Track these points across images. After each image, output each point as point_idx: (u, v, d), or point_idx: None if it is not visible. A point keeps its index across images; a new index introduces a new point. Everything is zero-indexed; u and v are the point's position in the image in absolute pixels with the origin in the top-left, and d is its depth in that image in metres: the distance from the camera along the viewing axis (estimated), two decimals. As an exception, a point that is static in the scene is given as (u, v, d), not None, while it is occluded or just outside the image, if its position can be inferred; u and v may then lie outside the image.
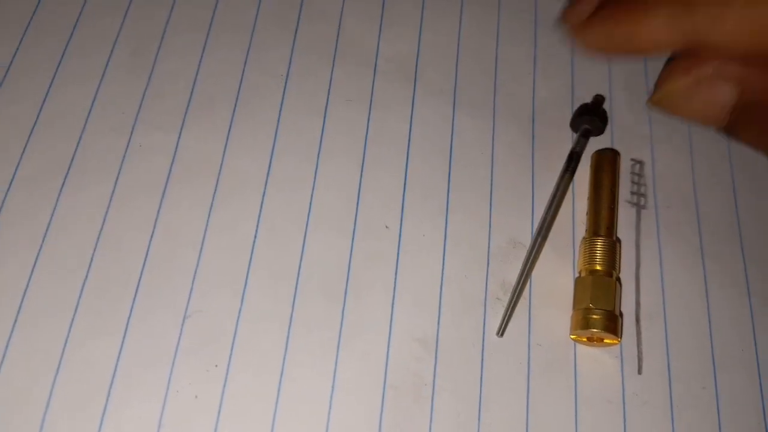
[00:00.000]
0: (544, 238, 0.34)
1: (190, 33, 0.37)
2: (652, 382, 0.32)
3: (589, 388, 0.32)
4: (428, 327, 0.32)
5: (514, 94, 0.38)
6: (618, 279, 0.33)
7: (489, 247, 0.34)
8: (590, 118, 0.36)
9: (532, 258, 0.33)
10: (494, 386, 0.31)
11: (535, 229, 0.34)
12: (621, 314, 0.33)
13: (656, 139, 0.38)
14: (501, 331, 0.32)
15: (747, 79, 0.27)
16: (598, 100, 0.37)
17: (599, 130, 0.36)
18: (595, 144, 0.37)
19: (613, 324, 0.31)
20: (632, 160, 0.37)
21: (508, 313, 0.32)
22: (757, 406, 0.32)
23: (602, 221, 0.34)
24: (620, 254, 0.34)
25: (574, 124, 0.37)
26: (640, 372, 0.32)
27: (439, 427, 0.30)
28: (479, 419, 0.31)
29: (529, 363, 0.32)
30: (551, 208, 0.34)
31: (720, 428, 0.32)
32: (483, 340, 0.32)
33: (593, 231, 0.34)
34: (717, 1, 0.26)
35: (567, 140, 0.37)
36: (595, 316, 0.31)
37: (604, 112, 0.37)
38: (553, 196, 0.35)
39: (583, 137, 0.36)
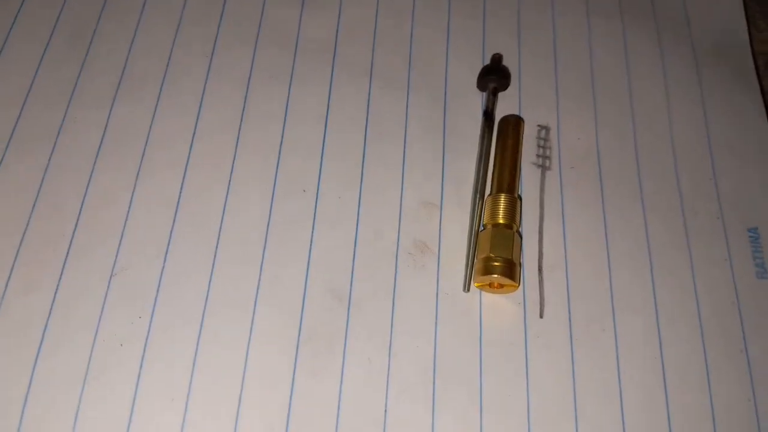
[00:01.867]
0: (482, 193, 0.36)
1: (123, 18, 0.40)
2: (554, 325, 0.34)
3: (493, 332, 0.34)
4: (342, 281, 0.34)
5: (428, 68, 0.41)
6: (518, 232, 0.36)
7: (401, 207, 0.36)
8: (493, 76, 0.39)
9: (476, 214, 0.36)
10: (404, 334, 0.33)
11: (472, 187, 0.37)
12: (521, 264, 0.35)
13: (562, 105, 0.40)
14: (467, 287, 0.34)
15: None
16: (496, 57, 0.40)
17: (504, 86, 0.39)
18: (505, 110, 0.39)
19: (511, 270, 0.34)
20: (539, 126, 0.39)
21: (469, 269, 0.35)
22: (654, 345, 0.34)
23: (504, 180, 0.36)
24: (520, 209, 0.36)
25: (481, 85, 0.39)
26: (541, 316, 0.34)
27: (350, 371, 0.32)
28: (389, 365, 0.33)
29: (437, 311, 0.34)
30: (481, 164, 0.37)
31: (618, 366, 0.34)
32: (394, 291, 0.34)
33: (497, 189, 0.36)
34: None
35: (476, 104, 0.39)
36: (495, 263, 0.34)
37: (505, 68, 0.40)
38: (480, 153, 0.37)
39: (492, 95, 0.38)
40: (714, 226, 0.38)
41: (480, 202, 0.36)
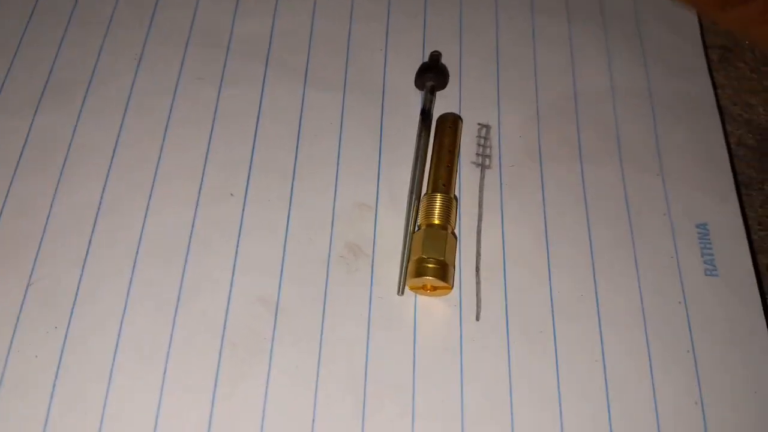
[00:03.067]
0: (418, 193, 0.35)
1: (51, 22, 0.39)
2: (490, 328, 0.33)
3: (427, 336, 0.33)
4: (270, 287, 0.33)
5: (366, 67, 0.40)
6: (453, 233, 0.34)
7: (334, 210, 0.35)
8: (432, 74, 0.38)
9: (411, 215, 0.34)
10: (335, 340, 0.32)
11: (408, 188, 0.36)
12: (456, 266, 0.34)
13: (504, 104, 0.39)
14: (401, 290, 0.33)
15: None
16: (435, 56, 0.39)
17: (442, 84, 0.38)
18: (445, 108, 0.38)
19: (443, 272, 0.32)
20: (479, 124, 0.38)
21: (402, 271, 0.33)
22: (595, 348, 0.33)
23: (440, 179, 0.35)
24: (456, 209, 0.35)
25: (418, 83, 0.39)
26: (478, 318, 0.33)
27: (276, 380, 0.31)
28: (318, 372, 0.31)
29: (370, 316, 0.33)
30: (417, 164, 0.36)
31: (558, 369, 0.32)
32: (325, 296, 0.33)
33: (432, 188, 0.35)
34: None
35: (416, 106, 0.38)
36: (428, 265, 0.32)
37: (443, 66, 0.39)
38: (416, 152, 0.36)
39: (431, 93, 0.37)
40: (661, 223, 0.36)
41: (415, 203, 0.35)
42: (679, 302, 0.34)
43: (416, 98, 0.39)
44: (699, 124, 0.39)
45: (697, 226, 0.36)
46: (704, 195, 0.37)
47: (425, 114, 0.37)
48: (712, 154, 0.38)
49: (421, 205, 0.35)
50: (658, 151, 0.38)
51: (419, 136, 0.37)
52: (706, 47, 0.43)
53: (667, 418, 0.31)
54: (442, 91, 0.39)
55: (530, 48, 0.42)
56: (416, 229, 0.34)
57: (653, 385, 0.32)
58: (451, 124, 0.37)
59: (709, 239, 0.36)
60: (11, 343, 0.31)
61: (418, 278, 0.32)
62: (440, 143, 0.36)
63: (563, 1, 0.44)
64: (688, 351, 0.33)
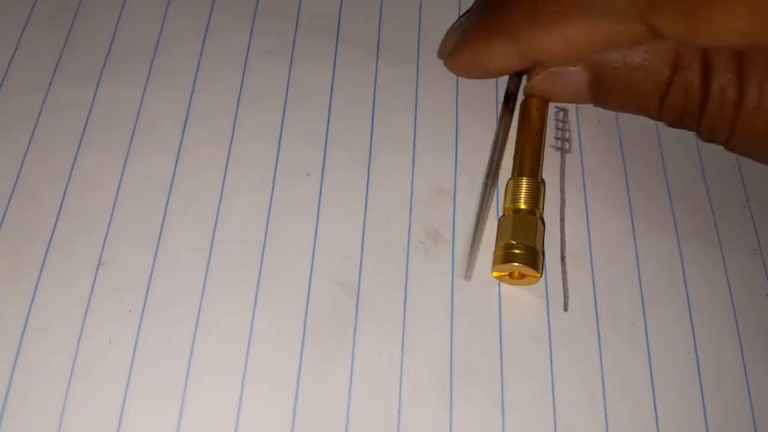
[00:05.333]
0: (495, 178, 0.34)
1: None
2: (579, 319, 0.32)
3: (514, 326, 0.31)
4: (350, 271, 0.32)
5: (438, 44, 0.38)
6: (541, 218, 0.33)
7: (412, 193, 0.34)
8: None
9: (486, 199, 0.33)
10: (417, 328, 0.31)
11: (485, 172, 0.34)
12: (544, 253, 0.32)
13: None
14: (468, 275, 0.32)
15: (592, 61, 0.32)
16: None
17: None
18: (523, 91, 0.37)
19: (533, 258, 0.31)
20: (556, 107, 0.37)
21: (471, 257, 0.32)
22: (687, 339, 0.32)
23: (526, 163, 0.34)
24: (544, 194, 0.34)
25: None
26: (566, 309, 0.32)
27: (360, 368, 0.30)
28: (402, 360, 0.30)
29: (452, 303, 0.31)
30: (496, 148, 0.34)
31: (650, 362, 0.31)
32: (406, 282, 0.32)
33: (518, 172, 0.34)
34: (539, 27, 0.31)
35: (491, 86, 0.37)
36: (516, 251, 0.31)
37: None
38: (497, 136, 0.35)
39: (516, 76, 0.36)
40: (741, 216, 0.35)
41: (491, 188, 0.33)
42: (766, 294, 0.33)
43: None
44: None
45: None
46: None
47: (509, 98, 0.36)
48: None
49: (507, 190, 0.33)
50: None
51: (500, 121, 0.35)
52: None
53: (763, 413, 0.30)
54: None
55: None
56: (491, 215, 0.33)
57: (746, 378, 0.31)
58: (539, 106, 0.35)
59: (792, 231, 0.35)
60: (82, 328, 0.29)
61: (505, 264, 0.31)
62: (526, 126, 0.35)
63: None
64: (779, 346, 0.32)
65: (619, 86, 0.32)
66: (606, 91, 0.33)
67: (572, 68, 0.32)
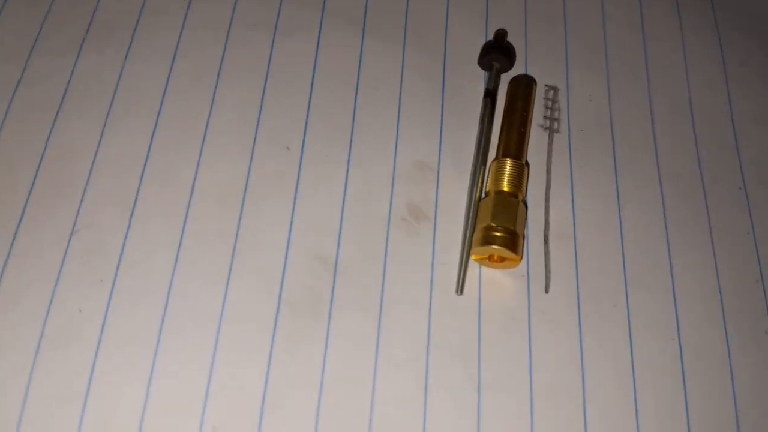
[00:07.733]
0: (483, 161, 0.33)
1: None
2: (560, 301, 0.31)
3: (493, 307, 0.31)
4: (328, 246, 0.31)
5: (426, 22, 0.37)
6: (524, 201, 0.32)
7: (394, 169, 0.33)
8: (496, 55, 0.35)
9: (477, 181, 0.32)
10: (396, 305, 0.30)
11: (473, 155, 0.34)
12: (525, 236, 0.32)
13: (572, 65, 0.37)
14: (459, 289, 0.31)
15: None
16: (500, 33, 0.36)
17: (507, 66, 0.36)
18: (512, 70, 0.36)
19: (513, 242, 0.30)
20: (546, 86, 0.36)
21: (462, 271, 0.31)
22: (671, 325, 0.31)
23: (511, 144, 0.33)
24: (527, 177, 0.33)
25: (482, 63, 0.36)
26: (547, 291, 0.31)
27: (336, 343, 0.29)
28: (378, 335, 0.29)
29: (432, 282, 0.31)
30: (481, 142, 0.33)
31: (631, 346, 0.30)
32: (385, 258, 0.31)
33: (502, 154, 0.33)
34: None
35: (477, 65, 0.36)
36: (495, 233, 0.30)
37: (509, 46, 0.36)
38: (480, 132, 0.34)
39: (496, 76, 0.35)
40: (736, 197, 0.34)
41: (480, 171, 0.33)
42: (757, 280, 0.33)
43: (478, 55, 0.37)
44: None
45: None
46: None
47: (488, 95, 0.35)
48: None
49: (489, 170, 0.33)
50: (732, 122, 0.37)
51: (482, 119, 0.34)
52: None
53: (744, 397, 0.30)
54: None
55: (599, 5, 0.39)
56: (483, 196, 0.32)
57: (730, 364, 0.31)
58: (525, 86, 0.34)
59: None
60: (53, 293, 0.29)
61: (484, 246, 0.30)
62: (513, 107, 0.34)
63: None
64: (766, 332, 0.31)
65: None
66: None
67: None
